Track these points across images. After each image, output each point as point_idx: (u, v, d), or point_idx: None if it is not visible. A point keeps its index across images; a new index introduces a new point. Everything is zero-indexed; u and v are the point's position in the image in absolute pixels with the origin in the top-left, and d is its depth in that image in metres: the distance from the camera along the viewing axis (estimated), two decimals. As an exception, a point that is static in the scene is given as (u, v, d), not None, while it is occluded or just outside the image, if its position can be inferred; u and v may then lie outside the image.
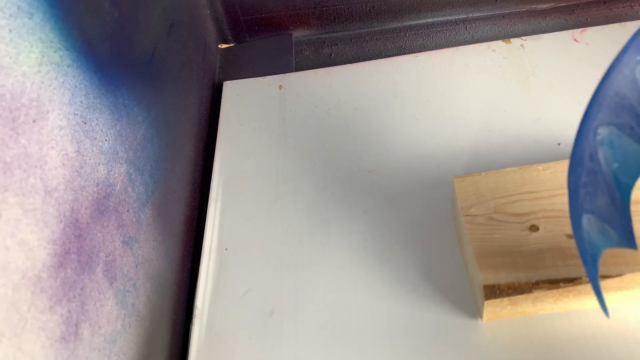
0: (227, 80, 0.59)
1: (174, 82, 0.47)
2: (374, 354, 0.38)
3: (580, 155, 0.23)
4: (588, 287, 0.34)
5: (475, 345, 0.37)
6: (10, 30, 0.25)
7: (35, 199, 0.25)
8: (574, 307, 0.37)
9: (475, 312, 0.38)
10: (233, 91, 0.57)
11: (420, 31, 0.64)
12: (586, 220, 0.24)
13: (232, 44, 0.64)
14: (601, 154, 0.24)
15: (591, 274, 0.26)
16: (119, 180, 0.34)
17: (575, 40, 0.55)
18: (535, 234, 0.36)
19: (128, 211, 0.35)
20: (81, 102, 0.31)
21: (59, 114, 0.28)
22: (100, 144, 0.32)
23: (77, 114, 0.30)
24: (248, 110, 0.55)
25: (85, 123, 0.31)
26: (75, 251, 0.28)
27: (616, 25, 0.57)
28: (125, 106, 0.36)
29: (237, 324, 0.41)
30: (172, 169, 0.44)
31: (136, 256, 0.35)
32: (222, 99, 0.56)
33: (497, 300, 0.35)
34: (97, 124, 0.32)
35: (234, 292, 0.42)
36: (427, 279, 0.41)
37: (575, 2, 0.62)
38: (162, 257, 0.40)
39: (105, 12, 0.35)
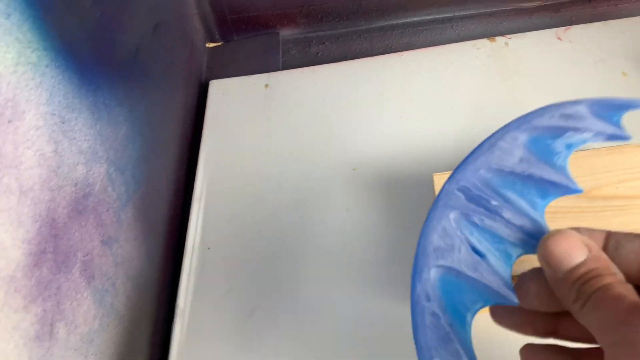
0: (214, 79, 0.59)
1: (158, 82, 0.47)
2: (354, 351, 0.38)
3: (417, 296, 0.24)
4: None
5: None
6: (-17, 32, 0.25)
7: (9, 199, 0.25)
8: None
9: (455, 310, 0.39)
10: (219, 90, 0.57)
11: (407, 30, 0.64)
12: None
13: (219, 43, 0.64)
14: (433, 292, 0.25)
15: None
16: (99, 180, 0.34)
17: (559, 38, 0.56)
18: (513, 232, 0.36)
19: (108, 211, 0.35)
20: (59, 102, 0.31)
21: (36, 114, 0.28)
22: (80, 143, 0.32)
23: (55, 114, 0.30)
24: (234, 109, 0.55)
25: (63, 123, 0.31)
26: (51, 250, 0.28)
27: (600, 23, 0.57)
28: (106, 106, 0.36)
29: (218, 322, 0.41)
30: (155, 169, 0.44)
31: (115, 256, 0.35)
32: (208, 98, 0.56)
33: (475, 298, 0.35)
34: (76, 123, 0.32)
35: (216, 291, 0.43)
36: (409, 275, 0.41)
37: (561, 1, 0.63)
38: (144, 257, 0.40)
39: (86, 12, 0.35)
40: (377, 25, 0.65)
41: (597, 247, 0.22)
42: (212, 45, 0.64)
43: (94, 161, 0.34)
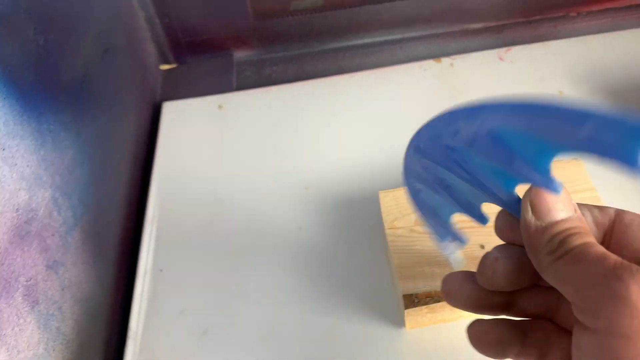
0: (169, 100, 0.59)
1: (109, 105, 0.48)
2: (304, 367, 0.39)
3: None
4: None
5: (399, 353, 0.38)
6: None
7: (-56, 226, 0.25)
8: (492, 314, 0.38)
9: (402, 322, 0.40)
10: (172, 112, 0.58)
11: (359, 51, 0.66)
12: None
13: (173, 65, 0.65)
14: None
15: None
16: (43, 205, 0.34)
17: (500, 58, 0.58)
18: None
19: (53, 235, 0.35)
20: (-1, 129, 0.31)
21: (-26, 142, 0.29)
22: (22, 169, 0.33)
23: (-6, 141, 0.30)
24: (187, 131, 0.56)
25: (3, 150, 0.31)
26: (-10, 277, 0.28)
27: (539, 44, 0.60)
28: (50, 131, 0.37)
29: (171, 344, 0.41)
30: (105, 192, 0.44)
31: (62, 280, 0.35)
32: (161, 120, 0.57)
33: (417, 309, 0.36)
34: (17, 150, 0.32)
35: (169, 312, 0.43)
36: (358, 292, 0.42)
37: (504, 23, 0.66)
38: (94, 280, 0.40)
39: (28, 40, 0.36)
40: (330, 47, 0.67)
41: (579, 210, 0.23)
42: (166, 67, 0.65)
43: (38, 186, 0.34)
